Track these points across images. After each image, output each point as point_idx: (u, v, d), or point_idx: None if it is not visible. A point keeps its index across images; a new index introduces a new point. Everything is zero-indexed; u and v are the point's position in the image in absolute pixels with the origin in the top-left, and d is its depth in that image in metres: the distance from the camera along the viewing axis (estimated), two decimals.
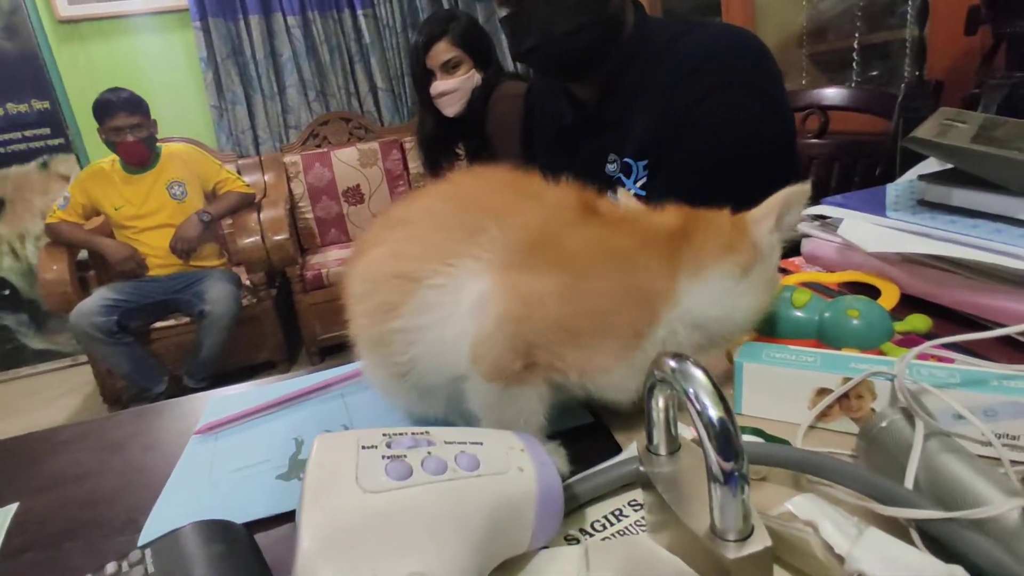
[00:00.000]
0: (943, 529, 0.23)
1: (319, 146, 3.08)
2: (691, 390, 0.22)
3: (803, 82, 1.73)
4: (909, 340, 0.38)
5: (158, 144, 2.44)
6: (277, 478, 0.38)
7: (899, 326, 0.39)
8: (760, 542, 0.21)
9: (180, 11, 2.87)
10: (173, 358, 2.42)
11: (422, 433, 0.26)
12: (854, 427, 0.33)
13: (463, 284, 0.33)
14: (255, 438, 0.44)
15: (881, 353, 0.36)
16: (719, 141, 0.81)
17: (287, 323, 2.67)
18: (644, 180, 0.90)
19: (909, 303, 0.43)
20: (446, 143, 1.85)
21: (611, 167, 0.96)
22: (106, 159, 2.42)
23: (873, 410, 0.32)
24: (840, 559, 0.21)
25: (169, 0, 2.88)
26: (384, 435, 0.25)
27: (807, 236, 0.54)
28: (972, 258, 0.38)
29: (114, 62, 2.85)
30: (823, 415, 0.33)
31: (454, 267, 0.34)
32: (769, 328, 0.41)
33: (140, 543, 0.34)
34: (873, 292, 0.44)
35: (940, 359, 0.34)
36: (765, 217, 0.36)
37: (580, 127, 0.99)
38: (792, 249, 0.57)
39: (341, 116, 3.12)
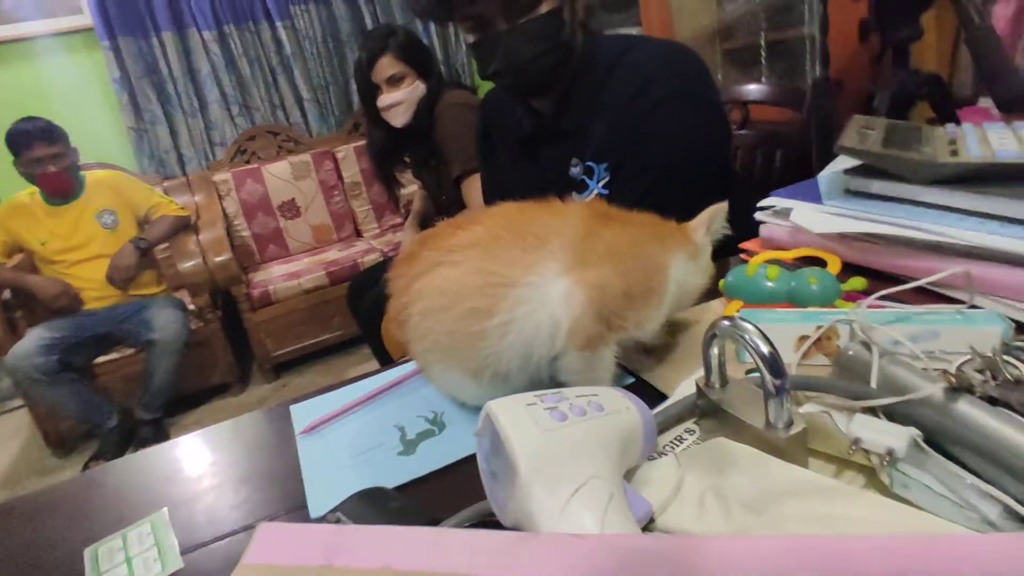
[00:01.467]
0: (898, 409, 0.36)
1: (248, 162, 3.04)
2: (747, 337, 0.34)
3: (720, 77, 1.92)
4: (851, 296, 0.53)
5: (81, 172, 2.36)
6: (399, 455, 0.48)
7: (844, 287, 0.53)
8: (799, 426, 0.34)
9: (85, 31, 2.75)
10: (121, 391, 2.35)
11: (557, 393, 0.36)
12: (826, 361, 0.46)
13: (548, 281, 0.46)
14: (357, 430, 0.52)
15: (834, 306, 0.50)
16: (668, 149, 0.94)
17: (236, 344, 2.65)
18: (607, 180, 1.02)
19: (848, 269, 0.58)
20: (395, 153, 1.92)
21: (575, 170, 1.07)
22: (24, 192, 2.30)
23: (838, 346, 0.46)
24: (844, 434, 0.34)
25: (72, 20, 2.75)
26: (536, 395, 0.35)
27: (762, 223, 0.68)
28: (890, 232, 0.53)
29: (18, 89, 2.69)
30: (805, 355, 0.47)
31: (539, 269, 0.46)
32: (753, 298, 0.55)
33: (314, 515, 0.43)
34: (820, 263, 0.58)
35: (878, 307, 0.48)
36: (699, 226, 0.54)
37: (539, 136, 1.10)
38: (751, 233, 0.71)
39: (268, 130, 3.09)
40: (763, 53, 1.77)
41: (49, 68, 2.75)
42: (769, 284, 0.55)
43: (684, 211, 0.99)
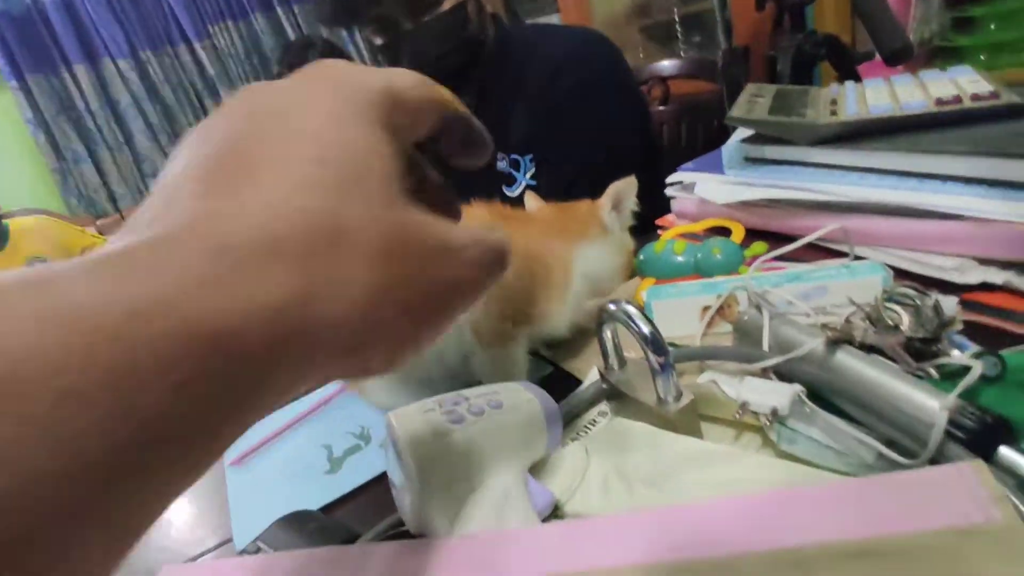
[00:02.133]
0: (784, 367, 0.37)
1: None
2: (630, 318, 0.35)
3: (640, 55, 1.95)
4: (755, 260, 0.55)
5: (3, 221, 2.26)
6: (325, 474, 0.47)
7: (747, 252, 0.55)
8: (687, 398, 0.35)
9: None
10: None
11: (458, 394, 0.37)
12: (730, 328, 0.48)
13: None
14: (286, 455, 0.52)
15: (738, 274, 0.52)
16: (587, 135, 0.96)
17: None
18: (533, 171, 1.03)
19: (754, 235, 0.59)
20: None
21: (501, 164, 1.08)
22: None
23: (738, 312, 0.47)
24: (732, 398, 0.35)
25: None
26: (435, 401, 0.36)
27: (673, 198, 0.69)
28: (782, 196, 0.55)
29: None
30: (710, 324, 0.48)
31: None
32: (663, 273, 0.56)
33: (239, 547, 0.43)
34: (727, 232, 0.60)
35: (776, 269, 0.50)
36: (604, 204, 0.54)
37: None
38: (664, 209, 0.73)
39: None
40: (678, 28, 1.80)
41: None
42: (677, 258, 0.56)
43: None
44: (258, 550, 0.38)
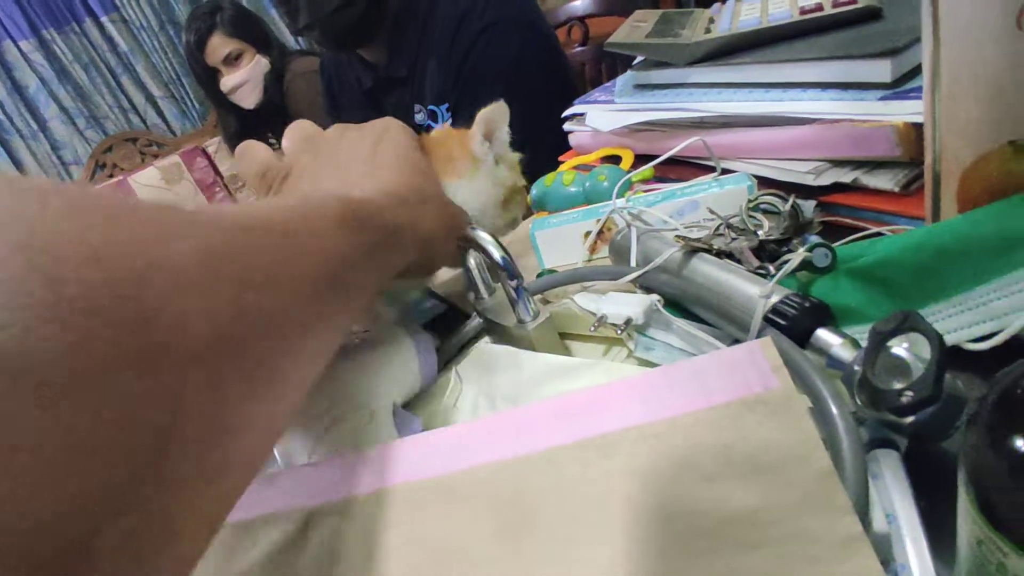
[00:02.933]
0: (649, 280, 0.38)
1: (111, 175, 2.82)
2: (484, 245, 0.35)
3: None
4: (643, 185, 0.56)
5: None
6: None
7: (635, 178, 0.56)
8: (543, 317, 0.36)
9: None
10: None
11: None
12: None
13: None
14: None
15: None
16: (497, 79, 0.94)
17: None
18: (450, 121, 1.02)
19: (641, 159, 0.60)
20: (255, 136, 1.82)
21: (419, 116, 1.06)
22: None
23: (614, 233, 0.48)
24: (592, 314, 0.36)
25: None
26: None
27: (571, 132, 0.70)
28: (660, 118, 0.55)
29: None
30: (592, 250, 0.49)
31: None
32: (556, 205, 0.56)
33: None
34: (619, 160, 0.60)
35: (655, 190, 0.51)
36: (474, 133, 0.49)
37: (379, 88, 1.07)
38: (564, 143, 0.73)
39: (125, 137, 2.86)
40: None
41: None
42: (567, 190, 0.56)
43: (531, 138, 0.99)
44: None
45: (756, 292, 0.31)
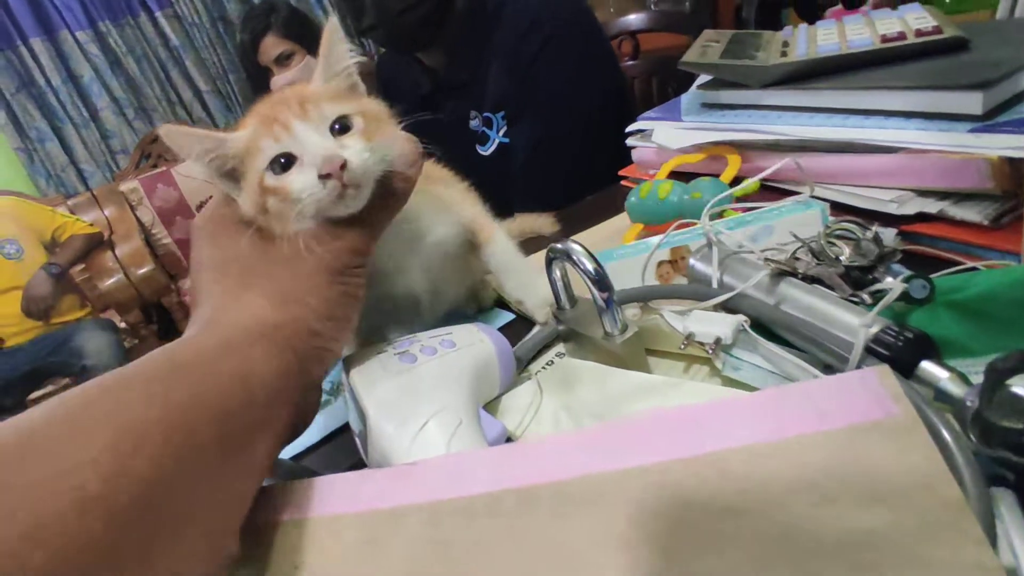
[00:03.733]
0: (731, 302, 0.39)
1: (155, 166, 2.90)
2: (574, 256, 0.36)
3: (611, 10, 1.92)
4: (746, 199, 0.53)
5: None
6: None
7: (737, 192, 0.52)
8: (632, 331, 0.36)
9: None
10: None
11: (412, 336, 0.38)
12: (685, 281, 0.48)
13: None
14: None
15: (721, 217, 0.49)
16: (557, 91, 0.95)
17: None
18: (505, 129, 1.03)
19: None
20: None
21: (474, 123, 1.07)
22: None
23: (692, 253, 0.48)
24: (677, 331, 0.37)
25: None
26: (388, 344, 0.37)
27: (633, 148, 0.70)
28: (733, 139, 0.56)
29: None
30: (666, 279, 0.49)
31: None
32: (649, 218, 0.56)
33: None
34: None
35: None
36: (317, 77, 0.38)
37: (438, 94, 1.09)
38: (626, 159, 0.73)
39: None
40: None
41: None
42: (662, 201, 0.55)
43: (583, 147, 0.98)
44: None
45: (856, 321, 0.31)
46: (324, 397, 0.52)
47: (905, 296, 0.34)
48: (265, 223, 0.35)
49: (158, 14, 2.83)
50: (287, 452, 0.45)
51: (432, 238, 0.44)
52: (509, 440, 0.36)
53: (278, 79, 1.72)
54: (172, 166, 2.87)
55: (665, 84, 1.39)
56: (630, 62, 1.40)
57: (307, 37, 1.73)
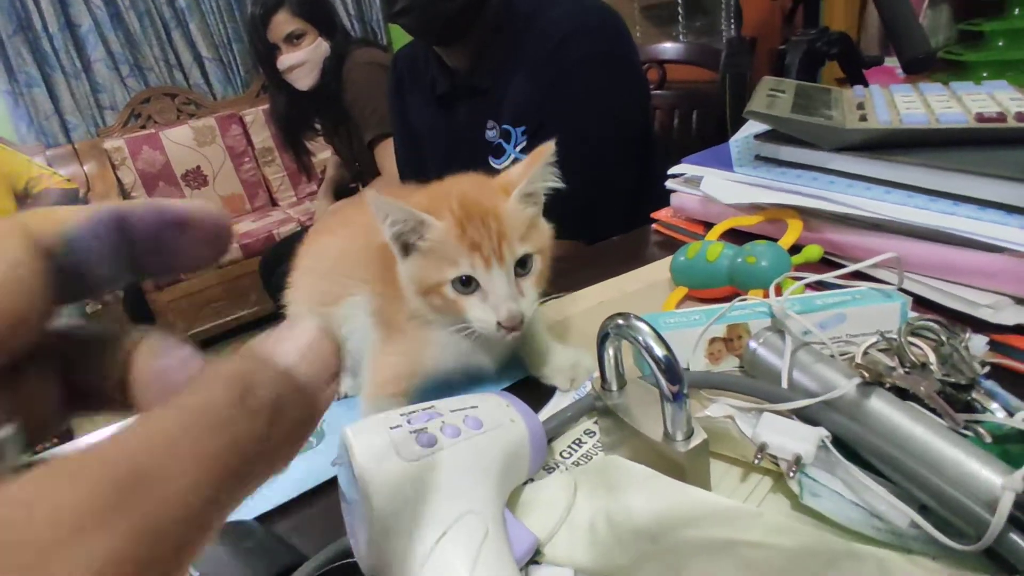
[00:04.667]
0: (810, 410, 0.33)
1: (143, 127, 2.78)
2: (640, 337, 0.30)
3: (638, 34, 1.88)
4: (806, 267, 0.48)
5: None
6: None
7: (796, 259, 0.48)
8: (699, 437, 0.30)
9: None
10: None
11: (430, 407, 0.31)
12: (736, 363, 0.42)
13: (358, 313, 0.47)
14: None
15: (779, 287, 0.44)
16: (585, 111, 0.89)
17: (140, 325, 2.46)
18: (524, 145, 0.96)
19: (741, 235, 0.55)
20: (303, 119, 1.78)
21: (491, 133, 1.01)
22: None
23: (754, 336, 0.42)
24: (749, 439, 0.31)
25: None
26: (402, 415, 0.30)
27: (673, 192, 0.64)
28: (799, 204, 0.50)
29: None
30: (716, 359, 0.43)
31: (348, 300, 0.48)
32: (695, 282, 0.50)
33: None
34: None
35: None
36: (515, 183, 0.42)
37: (454, 94, 1.02)
38: (657, 199, 0.68)
39: (165, 92, 2.82)
40: (680, 10, 1.73)
41: None
42: (710, 266, 0.49)
43: (604, 175, 0.92)
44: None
45: (995, 480, 0.25)
46: None
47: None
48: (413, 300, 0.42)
49: None
50: (252, 510, 0.38)
51: None
52: (536, 552, 0.30)
53: (286, 58, 1.64)
54: (162, 129, 2.75)
55: (688, 117, 1.35)
56: (655, 91, 1.35)
57: (320, 18, 1.65)
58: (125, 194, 2.63)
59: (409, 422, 0.30)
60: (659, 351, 0.29)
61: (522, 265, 0.40)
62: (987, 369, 0.37)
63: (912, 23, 0.75)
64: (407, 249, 0.41)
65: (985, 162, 0.43)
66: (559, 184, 0.43)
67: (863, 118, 0.50)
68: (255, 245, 2.52)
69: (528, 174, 0.41)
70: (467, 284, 0.39)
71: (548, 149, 0.42)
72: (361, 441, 0.28)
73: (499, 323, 0.38)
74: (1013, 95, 0.50)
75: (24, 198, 2.20)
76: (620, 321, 0.31)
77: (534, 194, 0.42)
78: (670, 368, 0.29)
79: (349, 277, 0.47)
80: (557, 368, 0.44)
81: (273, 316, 2.58)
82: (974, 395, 0.34)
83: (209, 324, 2.54)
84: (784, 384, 0.35)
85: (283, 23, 1.61)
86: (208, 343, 2.56)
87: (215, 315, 2.55)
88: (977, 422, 0.31)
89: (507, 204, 0.40)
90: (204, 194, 2.81)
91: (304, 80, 1.67)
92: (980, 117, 0.46)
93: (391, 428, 0.29)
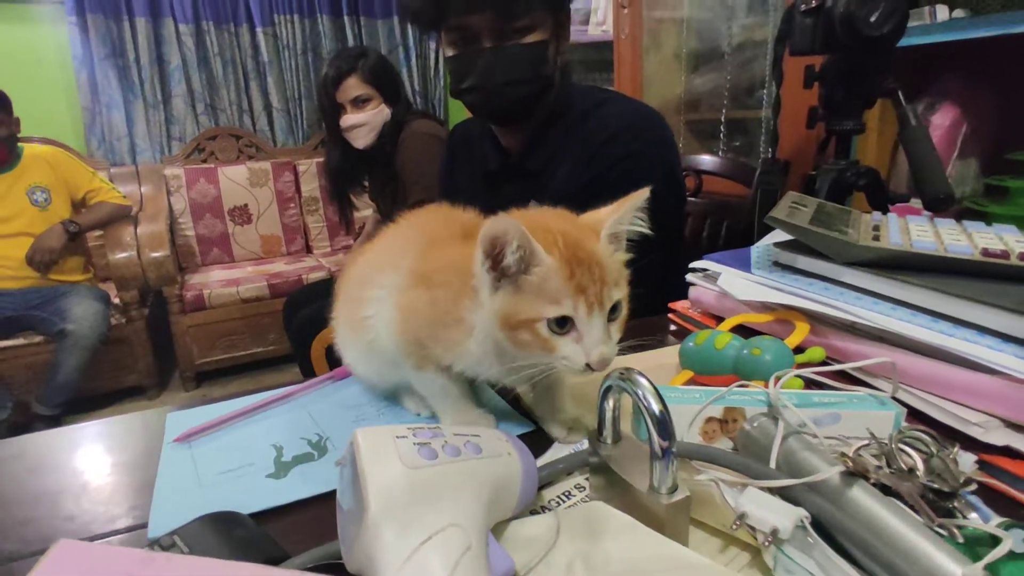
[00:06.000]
0: (795, 491, 0.34)
1: (205, 161, 2.95)
2: (639, 392, 0.32)
3: (681, 146, 1.98)
4: (808, 367, 0.49)
5: (20, 144, 2.24)
6: (267, 477, 0.43)
7: (800, 357, 0.50)
8: (682, 494, 0.31)
9: (55, 2, 2.66)
10: (22, 381, 2.18)
11: (436, 428, 0.33)
12: (729, 444, 0.44)
13: (388, 294, 0.47)
14: (232, 445, 0.48)
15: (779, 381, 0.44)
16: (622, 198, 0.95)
17: (159, 346, 2.51)
18: None
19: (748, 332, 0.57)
20: (353, 174, 1.89)
21: None
22: None
23: (748, 419, 0.44)
24: (730, 506, 0.32)
25: None
26: (409, 429, 0.32)
27: (692, 284, 0.68)
28: (807, 308, 0.53)
29: None
30: (709, 438, 0.44)
31: (386, 277, 0.48)
32: (701, 368, 0.52)
33: (152, 535, 0.38)
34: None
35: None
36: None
37: (504, 173, 1.09)
38: (681, 293, 0.71)
39: (231, 132, 3.02)
40: (723, 129, 1.84)
41: (8, 35, 2.64)
42: (717, 354, 0.51)
43: (634, 267, 0.97)
44: (172, 545, 0.34)
45: (955, 571, 0.26)
46: (306, 450, 0.47)
47: (995, 541, 0.29)
48: (494, 332, 0.40)
49: (259, 29, 2.97)
50: (246, 507, 0.40)
51: None
52: None
53: (349, 118, 1.76)
54: (221, 166, 2.92)
55: (717, 227, 1.40)
56: (691, 197, 1.41)
57: (387, 87, 1.79)
58: (173, 218, 2.76)
59: (415, 436, 0.32)
60: (655, 406, 0.32)
61: (613, 310, 0.40)
62: (974, 487, 0.39)
63: (935, 165, 0.79)
64: (499, 281, 0.40)
65: (986, 292, 0.45)
66: (647, 231, 0.44)
67: (876, 238, 0.54)
68: (283, 286, 2.59)
69: (616, 215, 0.42)
70: (562, 324, 0.39)
71: (642, 194, 0.43)
72: (367, 442, 0.30)
73: (587, 364, 0.38)
74: (1019, 237, 0.53)
75: (81, 206, 2.33)
76: (623, 374, 0.33)
77: (619, 236, 0.43)
78: (663, 423, 0.31)
79: (383, 269, 0.49)
80: (561, 420, 0.47)
81: (288, 358, 2.62)
82: (955, 504, 0.35)
83: (223, 355, 2.58)
84: (772, 465, 0.36)
85: (353, 87, 1.75)
86: (217, 374, 2.59)
87: (231, 347, 2.59)
88: (959, 527, 0.32)
89: (600, 246, 0.41)
90: (245, 231, 2.94)
91: (362, 140, 1.79)
92: (986, 252, 0.49)
93: (397, 437, 0.31)
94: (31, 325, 2.16)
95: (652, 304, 0.81)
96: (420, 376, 0.47)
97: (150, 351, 2.44)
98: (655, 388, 0.32)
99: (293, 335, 1.90)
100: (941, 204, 0.77)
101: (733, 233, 1.36)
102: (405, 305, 0.45)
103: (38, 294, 2.15)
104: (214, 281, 2.61)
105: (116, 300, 2.35)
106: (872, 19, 0.80)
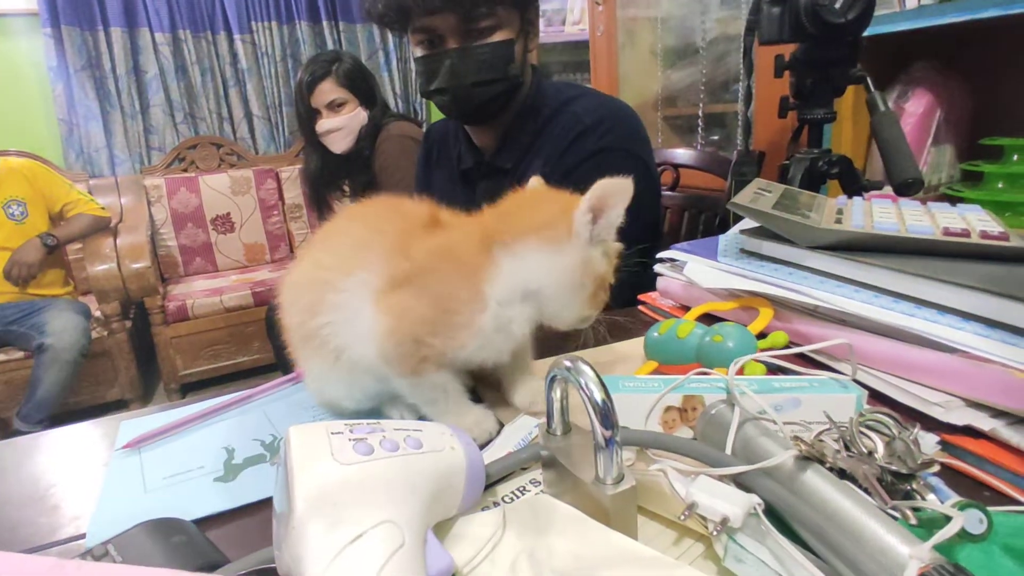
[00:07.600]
0: (746, 476, 0.33)
1: (186, 170, 2.92)
2: (582, 380, 0.31)
3: (659, 140, 1.98)
4: (770, 351, 0.48)
5: None
6: (215, 480, 0.42)
7: (763, 343, 0.50)
8: (628, 484, 0.30)
9: (29, 15, 2.63)
10: (1, 398, 2.15)
11: (375, 423, 0.32)
12: (690, 433, 0.43)
13: (360, 299, 0.43)
14: (182, 449, 0.46)
15: (742, 368, 0.44)
16: None
17: (142, 358, 2.48)
18: None
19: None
20: (332, 179, 1.87)
21: None
22: None
23: (706, 407, 0.43)
24: (680, 496, 0.31)
25: (16, 2, 2.63)
26: (346, 424, 0.31)
27: (660, 275, 0.67)
28: (771, 293, 0.52)
29: None
30: (669, 427, 0.43)
31: (353, 280, 0.44)
32: (666, 358, 0.52)
33: (88, 544, 0.37)
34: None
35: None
36: (582, 206, 0.43)
37: (478, 171, 1.08)
38: (649, 285, 0.70)
39: (212, 141, 2.99)
40: (700, 123, 1.84)
41: None
42: (680, 343, 0.50)
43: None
44: (105, 554, 0.32)
45: (904, 550, 0.25)
46: (258, 452, 0.46)
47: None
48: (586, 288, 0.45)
49: (236, 36, 2.95)
50: (190, 513, 0.38)
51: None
52: None
53: (325, 122, 1.75)
54: (202, 175, 2.89)
55: (695, 220, 1.40)
56: (668, 192, 1.41)
57: (362, 90, 1.78)
58: (154, 229, 2.73)
59: (351, 431, 0.31)
60: (598, 396, 0.31)
61: None
62: (936, 468, 0.38)
63: (903, 149, 0.79)
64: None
65: (947, 271, 0.45)
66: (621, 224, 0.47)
67: (838, 221, 0.53)
68: (267, 294, 2.57)
69: (612, 209, 0.45)
70: None
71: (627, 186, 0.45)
72: (299, 439, 0.29)
73: None
74: (981, 216, 0.53)
75: (59, 219, 2.29)
76: (567, 363, 0.32)
77: (610, 236, 0.47)
78: (605, 413, 0.30)
79: (355, 257, 0.45)
80: (531, 387, 0.48)
81: (272, 366, 2.59)
82: (914, 486, 0.34)
83: (207, 366, 2.55)
84: (728, 451, 0.35)
85: (327, 91, 1.74)
86: (201, 385, 2.56)
87: (214, 357, 2.56)
88: (915, 510, 0.31)
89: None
90: (228, 240, 2.91)
91: (339, 144, 1.77)
92: (946, 231, 0.48)
93: (332, 433, 0.30)
94: (10, 340, 2.12)
95: (630, 299, 0.81)
96: (415, 382, 0.44)
97: (133, 364, 2.41)
98: (598, 377, 0.31)
99: (276, 343, 1.87)
100: (910, 188, 0.77)
101: (710, 226, 1.36)
102: (393, 308, 0.42)
103: (17, 309, 2.12)
104: (197, 291, 2.58)
105: (97, 313, 2.32)
106: (836, 6, 0.80)
